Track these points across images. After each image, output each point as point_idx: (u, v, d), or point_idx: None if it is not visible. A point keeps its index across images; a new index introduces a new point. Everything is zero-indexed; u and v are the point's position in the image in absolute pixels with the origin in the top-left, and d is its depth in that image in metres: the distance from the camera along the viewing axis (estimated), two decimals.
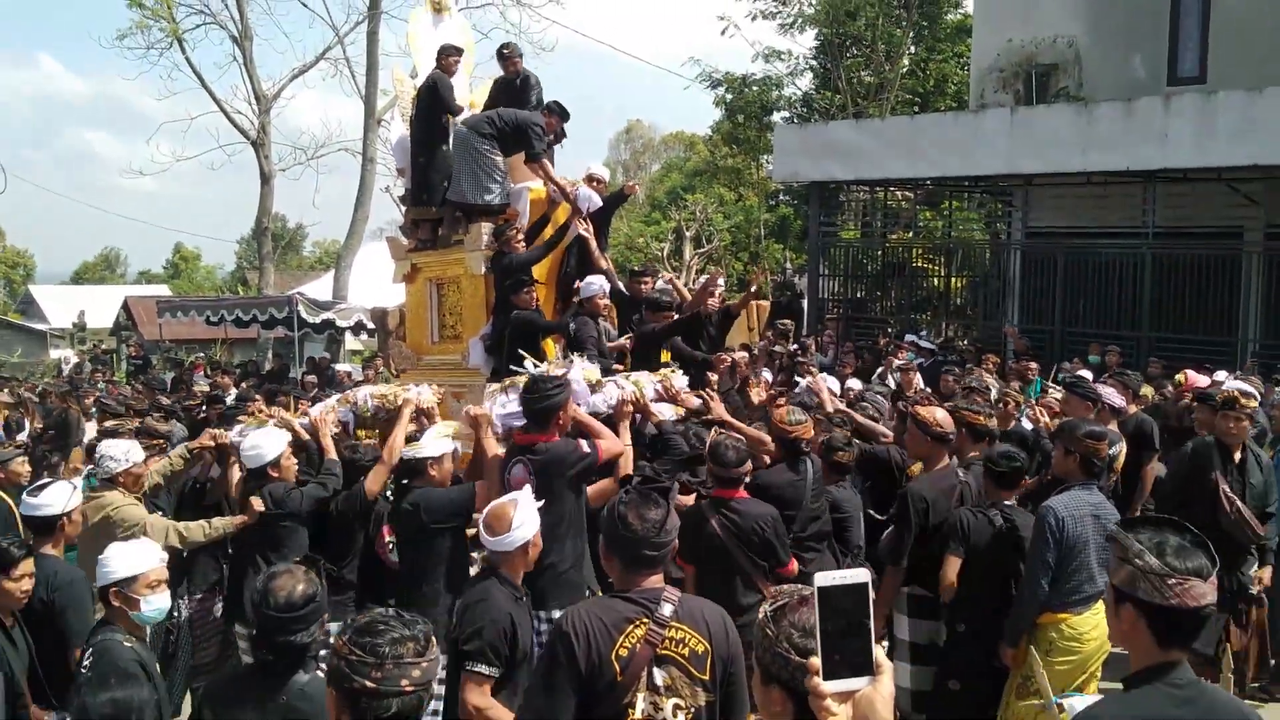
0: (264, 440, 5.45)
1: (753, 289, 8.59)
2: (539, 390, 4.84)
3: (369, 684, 2.21)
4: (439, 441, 5.25)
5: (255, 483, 5.46)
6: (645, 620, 2.88)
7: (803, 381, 8.00)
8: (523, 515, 3.66)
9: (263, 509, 5.26)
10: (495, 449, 5.14)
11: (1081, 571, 4.53)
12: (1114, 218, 14.58)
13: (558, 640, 2.89)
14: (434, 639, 2.36)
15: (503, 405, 5.64)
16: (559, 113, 8.44)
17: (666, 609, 2.90)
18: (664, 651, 2.87)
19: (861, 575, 1.64)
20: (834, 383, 8.30)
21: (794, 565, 4.75)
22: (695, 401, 6.19)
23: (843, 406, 7.07)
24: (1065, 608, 4.55)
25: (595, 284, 7.33)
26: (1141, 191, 14.02)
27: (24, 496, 4.57)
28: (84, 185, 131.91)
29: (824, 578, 1.63)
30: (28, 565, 4.05)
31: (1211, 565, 2.28)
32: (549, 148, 8.96)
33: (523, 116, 8.14)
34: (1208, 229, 14.01)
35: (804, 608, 2.03)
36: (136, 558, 3.68)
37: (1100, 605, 4.43)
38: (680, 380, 6.47)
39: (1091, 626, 4.54)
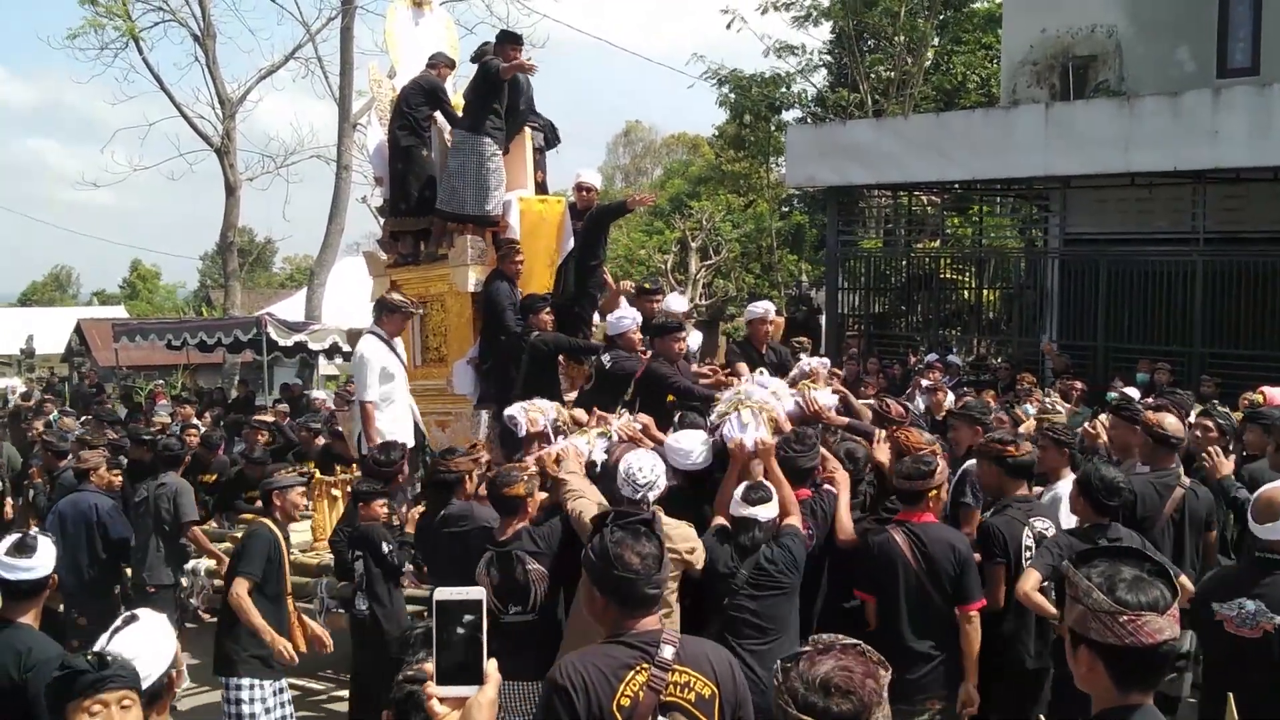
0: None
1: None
2: (801, 447, 5.05)
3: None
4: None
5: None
6: (646, 665, 2.87)
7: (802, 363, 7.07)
8: None
9: None
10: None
11: None
12: (1161, 222, 14.62)
13: (554, 694, 2.88)
14: None
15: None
16: (513, 39, 8.28)
17: (668, 651, 2.89)
18: (669, 698, 2.86)
19: (478, 593, 1.90)
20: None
21: (983, 602, 4.76)
22: (841, 420, 5.87)
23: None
24: None
25: (627, 319, 6.97)
26: (1190, 193, 14.06)
27: (2, 555, 3.98)
28: (32, 198, 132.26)
29: (442, 593, 1.89)
30: None
31: (1171, 596, 2.25)
32: (541, 154, 9.02)
33: (482, 68, 8.07)
34: (1264, 234, 13.97)
35: (821, 658, 2.06)
36: (163, 642, 3.10)
37: None
38: (828, 398, 5.95)
39: None
